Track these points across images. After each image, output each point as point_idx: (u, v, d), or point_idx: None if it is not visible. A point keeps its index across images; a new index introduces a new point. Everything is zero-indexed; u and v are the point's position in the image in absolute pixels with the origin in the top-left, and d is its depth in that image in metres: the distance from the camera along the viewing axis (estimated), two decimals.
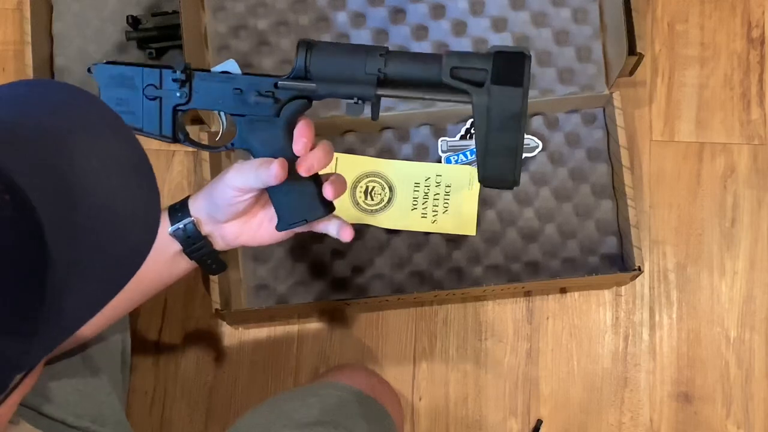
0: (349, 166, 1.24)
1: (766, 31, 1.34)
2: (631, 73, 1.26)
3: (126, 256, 0.50)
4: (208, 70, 0.76)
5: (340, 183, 0.78)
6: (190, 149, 1.32)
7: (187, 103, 0.76)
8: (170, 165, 1.32)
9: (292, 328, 1.27)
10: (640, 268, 1.18)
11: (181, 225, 0.76)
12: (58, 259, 0.44)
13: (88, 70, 0.75)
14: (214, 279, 1.17)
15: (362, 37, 1.26)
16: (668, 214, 1.29)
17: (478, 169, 0.75)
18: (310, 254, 1.24)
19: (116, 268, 0.49)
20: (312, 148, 0.75)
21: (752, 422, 1.23)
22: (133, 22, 1.28)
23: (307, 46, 0.73)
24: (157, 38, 1.29)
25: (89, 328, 0.80)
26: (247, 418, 0.96)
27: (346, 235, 0.80)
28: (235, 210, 0.76)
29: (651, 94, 1.33)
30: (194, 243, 0.77)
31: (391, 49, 0.74)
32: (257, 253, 1.23)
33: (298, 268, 1.24)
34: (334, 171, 1.23)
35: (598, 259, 1.24)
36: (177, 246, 0.77)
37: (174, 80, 0.75)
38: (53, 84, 0.55)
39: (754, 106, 1.32)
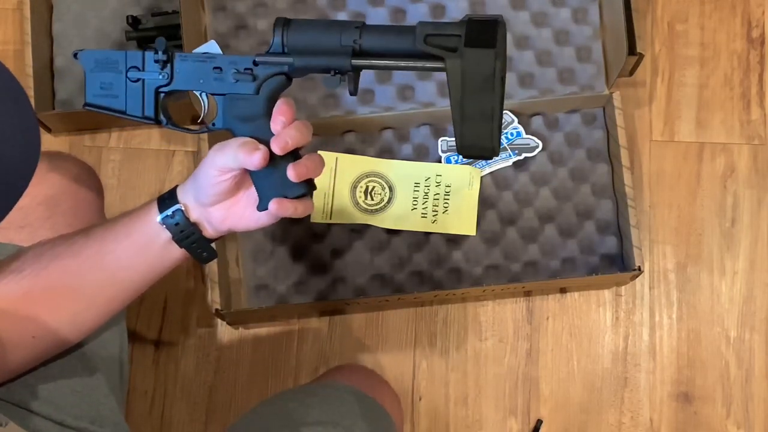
0: (349, 166, 1.24)
1: (766, 31, 1.34)
2: (631, 73, 1.26)
3: (7, 176, 0.50)
4: (190, 52, 0.77)
5: (309, 164, 0.76)
6: (190, 149, 1.32)
7: (168, 84, 0.77)
8: (170, 165, 1.32)
9: (292, 328, 1.27)
10: (640, 268, 1.18)
11: (169, 212, 0.76)
12: None
13: (74, 55, 0.75)
14: (214, 279, 1.17)
15: None
16: (668, 214, 1.29)
17: (456, 139, 0.73)
18: (310, 254, 1.24)
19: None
20: None
21: (752, 422, 1.23)
22: (133, 22, 1.28)
23: (283, 22, 0.74)
24: (157, 38, 1.29)
25: (85, 325, 0.80)
26: (247, 418, 0.96)
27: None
28: (218, 191, 0.76)
29: (651, 94, 1.33)
30: (183, 230, 0.77)
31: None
32: (257, 253, 1.23)
33: (298, 268, 1.24)
34: (334, 170, 1.23)
35: (598, 259, 1.24)
36: (167, 234, 0.77)
37: (156, 61, 0.76)
38: None
39: (754, 106, 1.32)
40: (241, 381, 1.26)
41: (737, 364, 1.25)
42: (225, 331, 1.27)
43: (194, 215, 0.77)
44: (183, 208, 0.76)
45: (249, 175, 0.77)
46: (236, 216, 0.78)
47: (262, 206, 0.78)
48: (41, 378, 0.81)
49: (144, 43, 1.29)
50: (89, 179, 0.97)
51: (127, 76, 0.77)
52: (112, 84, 0.77)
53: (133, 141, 1.33)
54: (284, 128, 0.74)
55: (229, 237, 1.24)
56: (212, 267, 1.18)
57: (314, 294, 1.23)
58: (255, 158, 0.72)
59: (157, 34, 1.29)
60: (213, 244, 0.81)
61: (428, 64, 0.72)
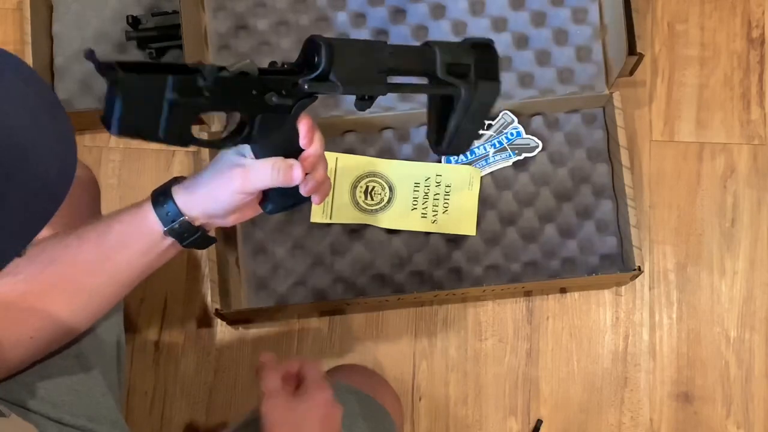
0: (349, 166, 1.24)
1: (766, 31, 1.34)
2: (631, 73, 1.26)
3: (44, 187, 0.50)
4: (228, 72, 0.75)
5: (319, 183, 0.79)
6: (190, 149, 1.32)
7: (206, 106, 0.74)
8: (170, 165, 1.32)
9: (292, 328, 1.27)
10: (640, 268, 1.18)
11: (175, 225, 0.76)
12: None
13: (114, 82, 0.69)
14: (214, 279, 1.17)
15: (362, 37, 1.26)
16: (668, 214, 1.29)
17: (440, 143, 0.81)
18: (310, 254, 1.24)
19: (35, 201, 0.50)
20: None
21: (752, 422, 1.23)
22: (133, 22, 1.28)
23: (329, 47, 0.73)
24: (157, 38, 1.29)
25: (83, 315, 0.81)
26: (247, 418, 0.96)
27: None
28: (241, 210, 0.77)
29: (651, 94, 1.33)
30: (189, 236, 0.78)
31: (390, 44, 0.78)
32: (257, 253, 1.23)
33: (298, 268, 1.24)
34: (334, 170, 1.23)
35: (598, 259, 1.24)
36: (170, 239, 0.77)
37: (198, 86, 0.73)
38: None
39: (754, 106, 1.32)
40: (241, 381, 1.26)
41: (737, 364, 1.25)
42: (225, 331, 1.27)
43: (199, 222, 0.78)
44: (189, 220, 0.77)
45: None
46: (244, 215, 0.80)
47: (272, 209, 0.79)
48: (39, 377, 0.81)
49: (144, 43, 1.29)
50: (87, 180, 0.97)
51: (167, 100, 0.70)
52: (147, 108, 0.72)
53: (133, 141, 1.32)
54: (311, 143, 0.76)
55: (229, 238, 1.24)
56: (212, 267, 1.18)
57: (314, 294, 1.23)
58: (296, 177, 0.74)
59: (157, 34, 1.29)
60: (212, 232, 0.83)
61: (443, 90, 0.79)
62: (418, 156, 1.26)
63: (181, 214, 0.76)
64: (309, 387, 0.84)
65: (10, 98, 0.49)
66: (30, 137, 0.49)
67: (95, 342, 0.88)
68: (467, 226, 1.23)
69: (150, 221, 0.77)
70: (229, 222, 0.79)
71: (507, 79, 1.25)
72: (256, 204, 0.79)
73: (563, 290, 1.27)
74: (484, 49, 0.80)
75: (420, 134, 1.26)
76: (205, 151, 1.22)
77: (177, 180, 0.80)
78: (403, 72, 0.78)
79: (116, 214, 0.80)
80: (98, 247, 0.77)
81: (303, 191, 0.77)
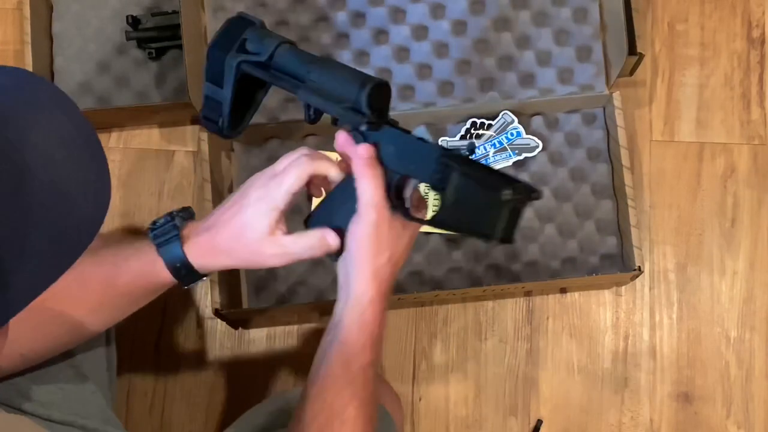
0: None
1: (766, 31, 1.34)
2: (631, 73, 1.26)
3: (75, 229, 0.50)
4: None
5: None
6: (190, 149, 1.32)
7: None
8: (170, 165, 1.32)
9: (292, 328, 1.27)
10: (640, 268, 1.18)
11: (183, 272, 0.77)
12: (5, 233, 0.44)
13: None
14: (214, 279, 1.17)
15: (362, 37, 1.26)
16: (668, 214, 1.29)
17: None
18: None
19: (66, 242, 0.50)
20: None
21: (752, 422, 1.23)
22: (133, 22, 1.28)
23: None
24: (157, 38, 1.29)
25: (79, 337, 0.81)
26: (247, 418, 0.96)
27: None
28: None
29: (651, 94, 1.33)
30: (193, 280, 0.80)
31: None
32: None
33: (298, 268, 1.23)
34: None
35: (598, 259, 1.24)
36: (175, 281, 0.78)
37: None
38: (3, 68, 0.56)
39: (754, 106, 1.32)
40: (241, 381, 1.26)
41: (737, 364, 1.25)
42: (225, 331, 1.27)
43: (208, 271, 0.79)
44: (200, 272, 0.77)
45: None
46: None
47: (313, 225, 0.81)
48: (27, 378, 0.81)
49: (144, 43, 1.29)
50: None
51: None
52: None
53: (133, 141, 1.33)
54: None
55: None
56: None
57: (314, 294, 1.23)
58: (333, 246, 0.77)
59: (157, 34, 1.29)
60: None
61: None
62: None
63: (194, 270, 0.77)
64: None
65: (60, 139, 0.49)
66: (72, 182, 0.49)
67: (87, 352, 0.88)
68: None
69: (162, 278, 0.78)
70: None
71: (507, 79, 1.25)
72: None
73: (563, 290, 1.27)
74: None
75: (420, 134, 1.26)
76: (205, 151, 1.21)
77: (181, 216, 0.79)
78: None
79: (123, 261, 0.78)
80: (103, 296, 0.77)
81: None
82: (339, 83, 0.77)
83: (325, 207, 0.81)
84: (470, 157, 0.76)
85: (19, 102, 0.49)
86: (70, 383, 0.84)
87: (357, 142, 0.77)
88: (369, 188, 0.75)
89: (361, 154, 0.76)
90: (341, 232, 0.78)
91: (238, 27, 0.81)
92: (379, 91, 0.77)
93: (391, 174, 0.77)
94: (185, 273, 0.77)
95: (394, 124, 0.79)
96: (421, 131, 1.26)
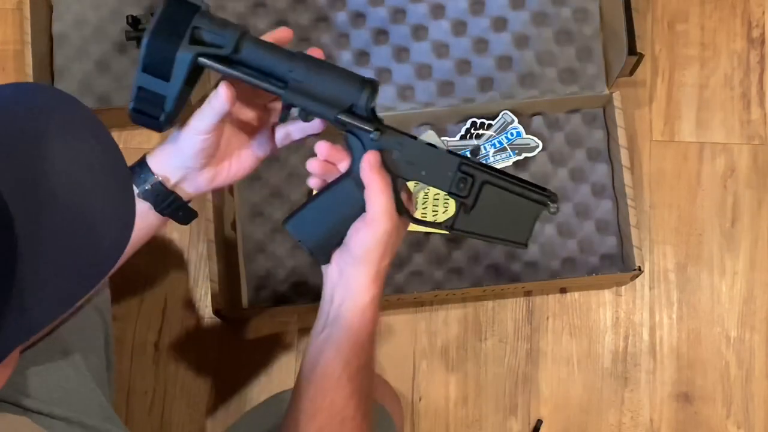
0: None
1: (766, 31, 1.34)
2: (631, 73, 1.26)
3: (97, 256, 0.50)
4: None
5: None
6: None
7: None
8: None
9: (292, 328, 1.27)
10: (640, 268, 1.18)
11: (147, 186, 0.78)
12: (26, 258, 0.44)
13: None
14: (214, 279, 1.17)
15: (362, 37, 1.26)
16: (668, 214, 1.29)
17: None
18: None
19: (87, 268, 0.50)
20: None
21: (752, 422, 1.23)
22: (133, 22, 1.28)
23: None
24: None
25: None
26: (247, 418, 0.96)
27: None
28: (207, 154, 0.78)
29: (651, 94, 1.33)
30: (164, 199, 0.79)
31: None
32: (257, 253, 1.23)
33: (298, 268, 1.23)
34: None
35: (598, 259, 1.24)
36: (145, 205, 0.79)
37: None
38: (39, 87, 0.56)
39: (754, 106, 1.32)
40: (241, 381, 1.26)
41: (737, 364, 1.25)
42: (225, 331, 1.27)
43: (172, 184, 0.79)
44: (161, 180, 0.78)
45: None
46: (224, 173, 0.81)
47: (290, 228, 0.83)
48: (26, 376, 0.81)
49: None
50: None
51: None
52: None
53: (132, 141, 1.33)
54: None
55: (229, 238, 1.24)
56: (212, 267, 1.18)
57: (314, 294, 1.23)
58: (221, 92, 0.74)
59: None
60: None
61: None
62: None
63: (151, 173, 0.78)
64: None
65: (88, 165, 0.49)
66: (98, 208, 0.49)
67: (82, 339, 0.88)
68: None
69: (139, 208, 0.78)
70: (203, 182, 0.79)
71: (507, 79, 1.25)
72: (235, 162, 0.80)
73: (563, 290, 1.27)
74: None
75: (420, 134, 1.26)
76: None
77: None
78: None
79: None
80: None
81: None
82: (332, 84, 0.74)
83: (314, 208, 0.80)
84: (483, 161, 0.76)
85: (50, 124, 0.49)
86: (70, 381, 0.84)
87: (366, 147, 0.76)
88: (380, 196, 0.75)
89: (371, 162, 0.76)
90: (335, 233, 0.78)
91: (181, 12, 0.73)
92: (376, 90, 0.76)
93: (397, 180, 0.77)
94: (142, 173, 0.78)
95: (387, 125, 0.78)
96: (421, 131, 1.26)
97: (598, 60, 1.25)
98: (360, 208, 0.77)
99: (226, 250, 1.24)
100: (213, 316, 1.21)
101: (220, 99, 0.74)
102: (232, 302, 1.22)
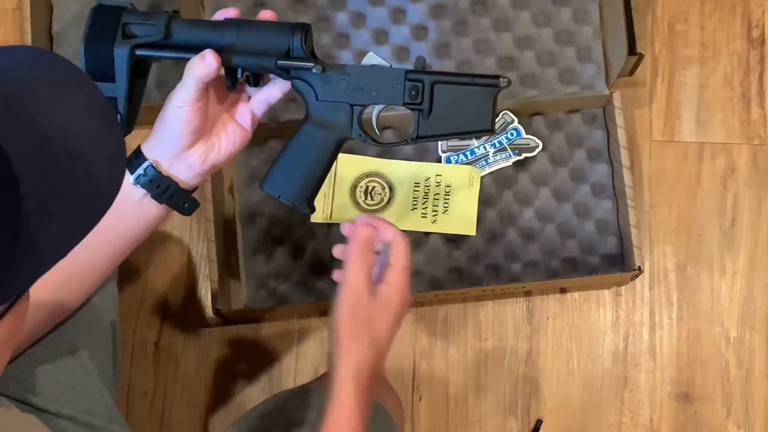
0: (349, 166, 1.24)
1: (766, 31, 1.34)
2: (631, 73, 1.26)
3: (95, 193, 0.52)
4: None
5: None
6: None
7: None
8: None
9: (292, 328, 1.27)
10: (640, 268, 1.18)
11: (141, 171, 0.78)
12: (29, 194, 0.45)
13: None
14: (214, 279, 1.17)
15: (362, 37, 1.26)
16: (668, 214, 1.29)
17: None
18: (310, 254, 1.24)
19: (87, 205, 0.51)
20: None
21: (752, 422, 1.23)
22: None
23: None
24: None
25: (72, 295, 0.81)
26: (247, 418, 0.96)
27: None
28: (192, 127, 0.78)
29: (651, 94, 1.33)
30: (159, 185, 0.79)
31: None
32: (257, 253, 1.23)
33: (298, 268, 1.23)
34: (334, 170, 1.23)
35: (598, 259, 1.24)
36: (140, 192, 0.78)
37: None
38: (26, 47, 0.58)
39: (754, 106, 1.32)
40: (241, 381, 1.26)
41: (737, 364, 1.25)
42: (225, 331, 1.27)
43: (166, 168, 0.79)
44: (153, 164, 0.78)
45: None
46: (215, 149, 0.81)
47: (267, 187, 0.83)
48: (35, 374, 0.82)
49: None
50: None
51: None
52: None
53: (133, 141, 1.31)
54: None
55: (229, 237, 1.24)
56: (212, 267, 1.18)
57: (314, 294, 1.23)
58: (207, 60, 0.76)
59: None
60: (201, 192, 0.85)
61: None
62: (418, 156, 1.26)
63: (144, 159, 0.78)
64: (391, 282, 0.82)
65: (77, 111, 0.51)
66: (89, 148, 0.51)
67: (89, 336, 0.88)
68: (467, 226, 1.23)
69: (136, 197, 0.79)
70: (195, 161, 0.79)
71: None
72: (225, 137, 0.81)
73: (563, 290, 1.27)
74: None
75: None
76: None
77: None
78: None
79: None
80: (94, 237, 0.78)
81: None
82: (264, 37, 0.78)
83: (284, 161, 0.83)
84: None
85: (36, 75, 0.50)
86: (78, 381, 0.85)
87: (315, 87, 0.80)
88: (354, 271, 0.81)
89: (361, 239, 0.81)
90: (309, 178, 0.82)
91: (108, 16, 0.78)
92: (308, 32, 0.79)
93: (354, 108, 0.81)
94: (136, 161, 0.78)
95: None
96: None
97: (598, 60, 1.25)
98: (324, 146, 0.81)
99: (226, 250, 1.24)
100: (213, 316, 1.20)
101: (203, 64, 0.76)
102: (232, 302, 1.22)
